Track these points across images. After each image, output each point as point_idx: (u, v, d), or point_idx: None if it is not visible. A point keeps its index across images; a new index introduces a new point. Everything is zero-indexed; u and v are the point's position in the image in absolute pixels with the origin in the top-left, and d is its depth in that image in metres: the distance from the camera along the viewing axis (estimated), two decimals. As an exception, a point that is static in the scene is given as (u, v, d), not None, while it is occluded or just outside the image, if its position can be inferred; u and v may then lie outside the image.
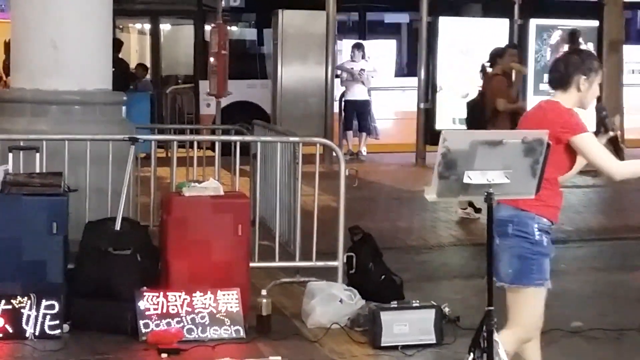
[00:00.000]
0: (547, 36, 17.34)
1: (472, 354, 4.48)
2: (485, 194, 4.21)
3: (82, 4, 7.68)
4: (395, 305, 6.35)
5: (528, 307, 4.76)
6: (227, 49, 14.16)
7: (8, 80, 12.41)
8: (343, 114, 16.95)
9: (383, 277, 7.26)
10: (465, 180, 4.14)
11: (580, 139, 4.68)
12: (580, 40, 15.30)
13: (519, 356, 4.93)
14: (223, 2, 14.59)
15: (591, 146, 4.69)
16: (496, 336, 4.37)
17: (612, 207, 12.70)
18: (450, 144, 4.09)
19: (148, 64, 18.36)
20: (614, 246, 10.03)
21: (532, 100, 17.32)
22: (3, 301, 6.18)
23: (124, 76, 14.63)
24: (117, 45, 13.93)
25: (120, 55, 15.40)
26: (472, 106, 11.14)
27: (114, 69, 8.28)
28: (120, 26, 17.91)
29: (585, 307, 7.38)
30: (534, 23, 17.27)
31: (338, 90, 16.63)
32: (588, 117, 4.95)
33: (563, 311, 7.16)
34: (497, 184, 4.19)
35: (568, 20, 17.38)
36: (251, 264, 6.91)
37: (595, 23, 17.41)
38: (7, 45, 20.81)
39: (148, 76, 18.04)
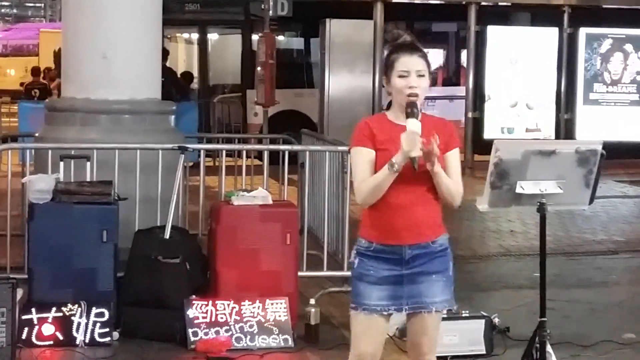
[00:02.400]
0: (597, 45, 17.17)
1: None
2: (538, 204, 4.18)
3: (132, 15, 7.73)
4: (445, 316, 6.28)
5: (351, 331, 4.35)
6: (274, 58, 14.22)
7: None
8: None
9: (432, 287, 7.20)
10: (518, 190, 4.12)
11: (351, 152, 4.24)
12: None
13: None
14: (271, 12, 14.62)
15: (352, 161, 4.22)
16: (549, 347, 4.32)
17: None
18: (502, 154, 4.07)
19: (195, 73, 18.46)
20: (666, 257, 9.90)
21: (581, 110, 17.20)
22: (54, 309, 6.23)
23: (169, 84, 14.70)
24: (164, 54, 14.01)
25: (167, 64, 15.48)
26: None
27: (163, 79, 8.33)
28: (168, 36, 18.03)
29: (637, 319, 7.27)
30: (583, 32, 17.11)
31: (385, 99, 16.57)
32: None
33: (615, 323, 7.08)
34: (550, 194, 4.15)
35: (619, 29, 17.20)
36: (299, 273, 6.91)
37: (646, 31, 17.23)
38: (56, 55, 21.15)
39: (195, 85, 18.13)
